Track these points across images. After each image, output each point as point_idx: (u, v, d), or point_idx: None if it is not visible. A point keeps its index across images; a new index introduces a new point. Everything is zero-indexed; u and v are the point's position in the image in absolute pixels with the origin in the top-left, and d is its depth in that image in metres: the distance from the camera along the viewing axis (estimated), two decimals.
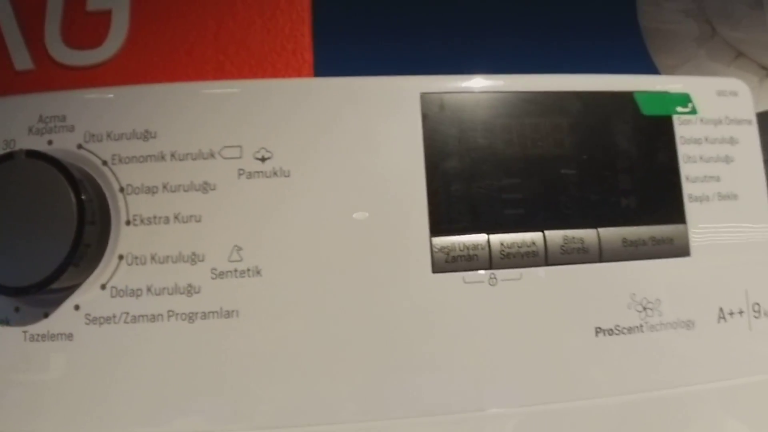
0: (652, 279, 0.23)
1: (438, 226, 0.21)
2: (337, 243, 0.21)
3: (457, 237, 0.21)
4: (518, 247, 0.22)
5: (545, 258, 0.22)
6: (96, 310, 0.20)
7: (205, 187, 0.21)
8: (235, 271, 0.21)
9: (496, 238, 0.22)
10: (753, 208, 0.24)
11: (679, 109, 0.24)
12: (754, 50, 0.48)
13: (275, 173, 0.21)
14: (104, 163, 0.21)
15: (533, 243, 0.22)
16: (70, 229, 0.19)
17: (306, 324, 0.21)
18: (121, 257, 0.21)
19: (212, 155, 0.21)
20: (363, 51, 0.37)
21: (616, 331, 0.22)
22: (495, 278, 0.21)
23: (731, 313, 0.23)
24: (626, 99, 0.24)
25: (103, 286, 0.21)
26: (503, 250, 0.22)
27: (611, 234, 0.22)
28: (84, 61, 0.24)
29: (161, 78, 0.23)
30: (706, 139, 0.24)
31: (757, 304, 0.24)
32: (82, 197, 0.20)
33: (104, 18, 0.24)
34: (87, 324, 0.20)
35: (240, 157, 0.21)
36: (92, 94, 0.22)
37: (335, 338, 0.21)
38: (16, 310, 0.20)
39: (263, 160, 0.21)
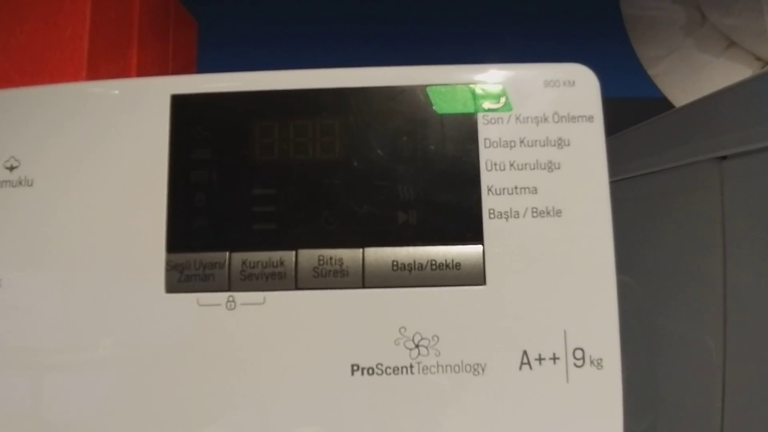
0: (430, 311, 0.19)
1: (176, 242, 0.19)
2: (74, 257, 0.20)
3: (195, 254, 0.19)
4: (263, 267, 0.19)
5: (294, 280, 0.19)
6: None
7: None
8: None
9: (239, 256, 0.19)
10: (583, 228, 0.19)
11: (487, 105, 0.20)
12: (749, 39, 0.40)
13: (20, 183, 0.20)
14: None
15: (281, 263, 0.19)
16: None
17: (40, 340, 0.20)
18: None
19: None
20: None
21: (378, 371, 0.18)
22: (234, 302, 0.19)
23: (540, 359, 0.18)
24: (416, 95, 0.20)
25: None
26: (244, 270, 0.19)
27: (378, 255, 0.19)
28: None
29: None
30: (522, 142, 0.20)
31: (580, 349, 0.19)
32: None
33: None
34: None
35: None
36: None
37: (66, 353, 0.19)
38: None
39: (11, 169, 0.21)
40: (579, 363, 0.19)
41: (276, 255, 0.19)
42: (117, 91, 0.21)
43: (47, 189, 0.20)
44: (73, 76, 0.23)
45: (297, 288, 0.19)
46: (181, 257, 0.19)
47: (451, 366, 0.18)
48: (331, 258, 0.19)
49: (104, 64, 0.24)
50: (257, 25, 0.41)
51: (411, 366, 0.18)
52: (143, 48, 0.27)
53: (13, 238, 0.20)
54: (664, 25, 0.46)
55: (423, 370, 0.18)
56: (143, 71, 0.27)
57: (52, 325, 0.20)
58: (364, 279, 0.19)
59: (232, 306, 0.19)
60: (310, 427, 0.18)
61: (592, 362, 0.19)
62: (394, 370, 0.18)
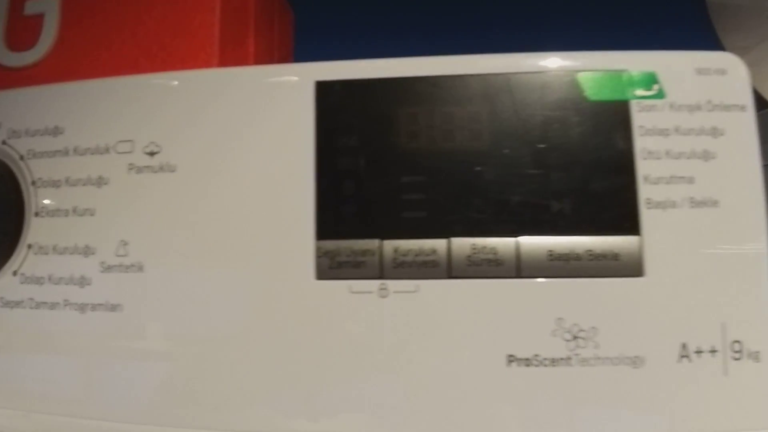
0: (587, 302, 0.18)
1: (325, 228, 0.19)
2: (218, 242, 0.20)
3: (345, 241, 0.19)
4: (415, 255, 0.19)
5: (448, 269, 0.19)
6: (9, 294, 0.21)
7: (100, 182, 0.21)
8: (121, 265, 0.20)
9: (390, 244, 0.19)
10: (739, 219, 0.19)
11: (640, 92, 0.19)
12: None
13: (162, 168, 0.20)
14: (21, 157, 0.22)
15: (434, 251, 0.19)
16: None
17: (183, 325, 0.20)
18: (29, 246, 0.21)
19: (107, 150, 0.21)
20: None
21: (535, 362, 0.18)
22: (386, 289, 0.19)
23: (699, 352, 0.18)
24: (567, 82, 0.20)
25: (14, 273, 0.21)
26: (397, 258, 0.19)
27: (534, 244, 0.19)
28: (20, 62, 0.26)
29: (85, 75, 0.23)
30: (677, 130, 0.19)
31: (738, 342, 0.18)
32: None
33: (38, 21, 0.26)
34: (2, 307, 0.21)
35: (131, 152, 0.21)
36: (16, 94, 0.23)
37: (209, 339, 0.19)
38: None
39: (152, 154, 0.21)
40: (737, 356, 0.18)
41: (428, 243, 0.19)
42: (259, 77, 0.20)
43: (191, 175, 0.20)
44: (205, 63, 0.23)
45: (450, 277, 0.19)
46: (332, 244, 0.19)
47: (610, 358, 0.18)
48: (484, 247, 0.19)
49: (230, 51, 0.24)
50: (351, 13, 0.40)
51: (569, 358, 0.18)
52: (258, 37, 0.27)
53: (158, 225, 0.20)
54: (752, 14, 0.44)
55: (581, 362, 0.18)
56: (259, 60, 0.27)
57: (197, 312, 0.20)
58: (520, 268, 0.19)
59: (385, 294, 0.19)
60: (467, 417, 0.18)
61: (749, 355, 0.18)
62: (551, 362, 0.18)
